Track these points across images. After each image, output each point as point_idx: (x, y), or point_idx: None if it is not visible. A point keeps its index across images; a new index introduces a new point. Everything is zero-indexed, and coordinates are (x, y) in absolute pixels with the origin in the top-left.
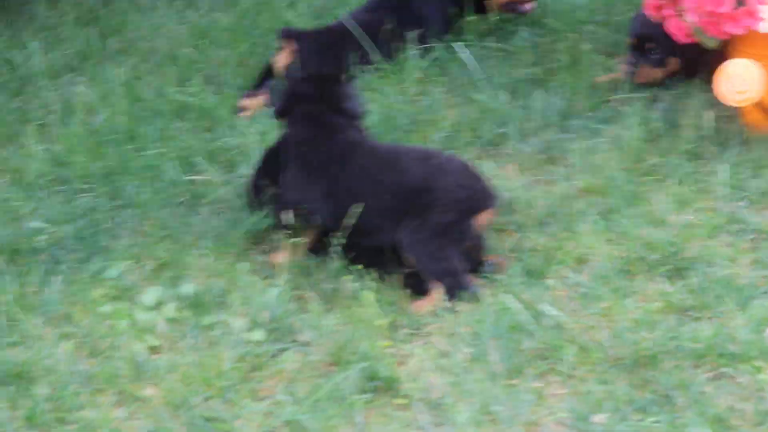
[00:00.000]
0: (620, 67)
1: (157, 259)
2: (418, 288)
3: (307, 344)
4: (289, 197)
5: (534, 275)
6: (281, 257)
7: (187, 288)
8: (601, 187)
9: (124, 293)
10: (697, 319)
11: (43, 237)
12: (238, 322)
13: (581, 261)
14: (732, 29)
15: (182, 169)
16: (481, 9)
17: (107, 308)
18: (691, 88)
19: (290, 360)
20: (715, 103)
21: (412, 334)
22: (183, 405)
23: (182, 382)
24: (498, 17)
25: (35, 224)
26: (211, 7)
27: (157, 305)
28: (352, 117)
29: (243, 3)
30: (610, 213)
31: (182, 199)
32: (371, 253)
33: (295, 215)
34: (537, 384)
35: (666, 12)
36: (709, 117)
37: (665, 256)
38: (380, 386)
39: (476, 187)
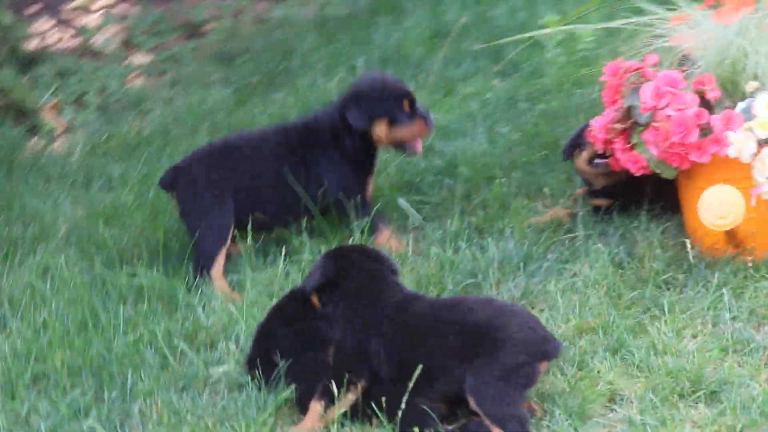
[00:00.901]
0: (553, 210)
1: None
2: None
3: None
4: (345, 357)
5: (577, 416)
6: (306, 428)
7: None
8: (596, 325)
9: None
10: None
11: None
12: None
13: (613, 398)
14: (698, 158)
15: (161, 354)
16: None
17: None
18: (638, 218)
19: None
20: (667, 231)
21: None
22: None
23: None
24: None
25: None
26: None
27: None
28: (394, 274)
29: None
30: (618, 349)
31: (182, 383)
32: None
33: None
34: None
35: (617, 146)
36: (669, 245)
37: (692, 383)
38: None
39: (543, 332)
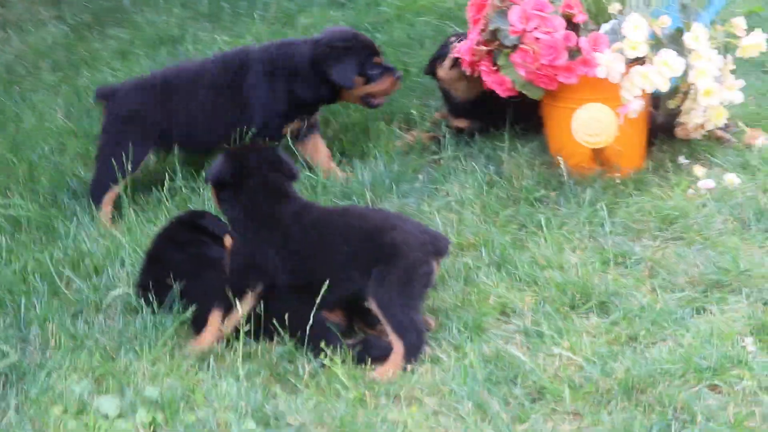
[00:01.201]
0: (416, 132)
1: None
2: (369, 354)
3: (303, 426)
4: (242, 264)
5: (473, 329)
6: (207, 340)
7: (151, 391)
8: (477, 241)
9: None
10: (650, 345)
11: None
12: (224, 416)
13: (505, 311)
14: (566, 79)
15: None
16: (332, 100)
17: (73, 424)
18: (501, 139)
19: None
20: (532, 151)
21: (395, 399)
22: None
23: None
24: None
25: None
26: None
27: (122, 414)
28: (292, 179)
29: None
30: (502, 264)
31: (74, 309)
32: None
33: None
34: (547, 426)
35: (482, 67)
36: (536, 164)
37: (581, 294)
38: None
39: (432, 231)
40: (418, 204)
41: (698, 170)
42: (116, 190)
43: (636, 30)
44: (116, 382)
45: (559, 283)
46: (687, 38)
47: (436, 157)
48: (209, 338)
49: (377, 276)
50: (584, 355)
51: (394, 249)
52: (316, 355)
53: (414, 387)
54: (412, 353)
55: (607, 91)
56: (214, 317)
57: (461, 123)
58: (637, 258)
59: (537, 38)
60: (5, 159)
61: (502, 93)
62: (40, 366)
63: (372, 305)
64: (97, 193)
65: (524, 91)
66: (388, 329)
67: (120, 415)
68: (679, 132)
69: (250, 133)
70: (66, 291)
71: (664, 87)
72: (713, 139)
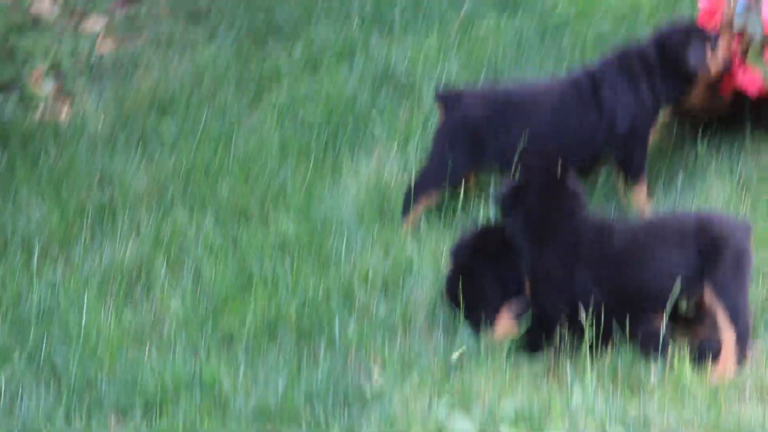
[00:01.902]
0: None
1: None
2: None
3: (668, 428)
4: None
5: None
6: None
7: (506, 405)
8: None
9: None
10: None
11: None
12: (592, 422)
13: None
14: None
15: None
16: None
17: None
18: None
19: None
20: None
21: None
22: None
23: None
24: None
25: None
26: None
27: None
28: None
29: None
30: None
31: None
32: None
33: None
34: None
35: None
36: None
37: None
38: None
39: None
40: None
41: None
42: (434, 196)
43: None
44: (462, 399)
45: None
46: None
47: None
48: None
49: (710, 265)
50: None
51: (723, 239)
52: (662, 359)
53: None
54: (743, 342)
55: None
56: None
57: None
58: None
59: None
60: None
61: (751, 91)
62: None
63: (706, 293)
64: (412, 196)
65: None
66: (721, 315)
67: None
68: None
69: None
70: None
71: None
72: None
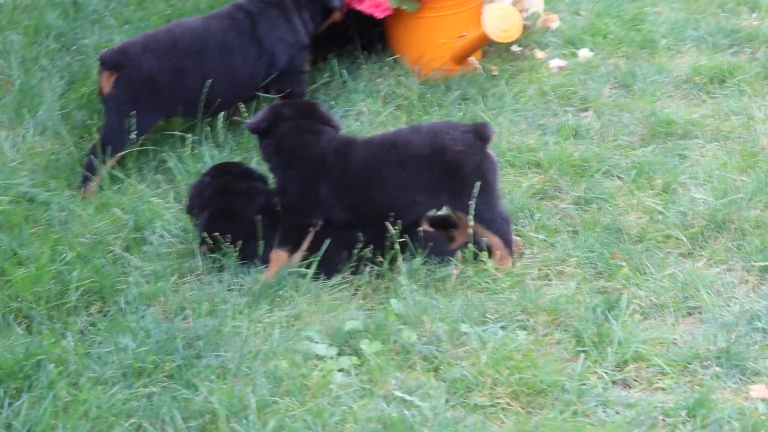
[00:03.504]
0: None
1: None
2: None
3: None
4: (295, 202)
5: None
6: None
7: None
8: None
9: None
10: None
11: None
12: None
13: None
14: None
15: None
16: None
17: None
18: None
19: None
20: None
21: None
22: None
23: None
24: None
25: None
26: None
27: None
28: (334, 128)
29: None
30: None
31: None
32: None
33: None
34: None
35: None
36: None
37: None
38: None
39: (474, 124)
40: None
41: (538, 54)
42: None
43: None
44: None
45: None
46: None
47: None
48: (274, 271)
49: (451, 188)
50: None
51: (459, 160)
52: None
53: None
54: (508, 244)
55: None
56: (279, 255)
57: None
58: None
59: None
60: None
61: (378, 14)
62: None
63: (456, 214)
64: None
65: (403, 7)
66: (478, 231)
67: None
68: None
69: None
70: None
71: None
72: None
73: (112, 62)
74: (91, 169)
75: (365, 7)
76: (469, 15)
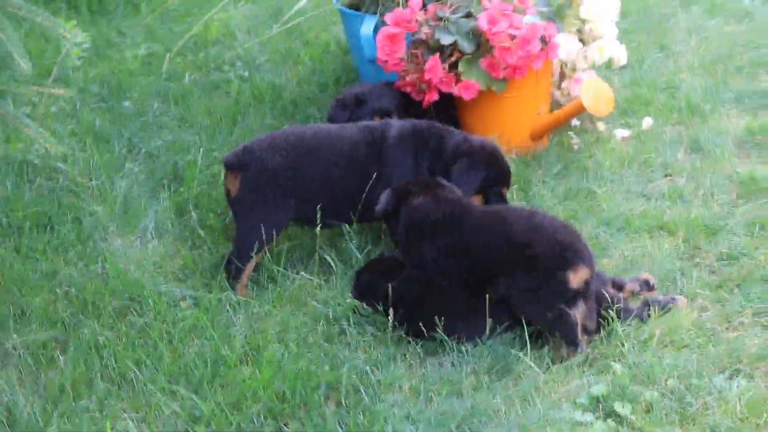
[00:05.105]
0: None
1: None
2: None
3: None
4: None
5: None
6: None
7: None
8: None
9: None
10: None
11: None
12: None
13: None
14: (537, 66)
15: None
16: None
17: None
18: None
19: None
20: None
21: None
22: None
23: None
24: None
25: None
26: None
27: None
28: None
29: None
30: None
31: None
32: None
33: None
34: None
35: (433, 79)
36: None
37: None
38: None
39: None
40: None
41: (600, 126)
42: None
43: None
44: None
45: None
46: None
47: None
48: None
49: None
50: None
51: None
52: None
53: None
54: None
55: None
56: None
57: None
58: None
59: (511, 35)
60: None
61: (467, 96)
62: None
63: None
64: (241, 261)
65: (493, 88)
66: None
67: None
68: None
69: None
70: None
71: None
72: None
73: (236, 163)
74: (237, 271)
75: (456, 90)
76: (542, 92)
